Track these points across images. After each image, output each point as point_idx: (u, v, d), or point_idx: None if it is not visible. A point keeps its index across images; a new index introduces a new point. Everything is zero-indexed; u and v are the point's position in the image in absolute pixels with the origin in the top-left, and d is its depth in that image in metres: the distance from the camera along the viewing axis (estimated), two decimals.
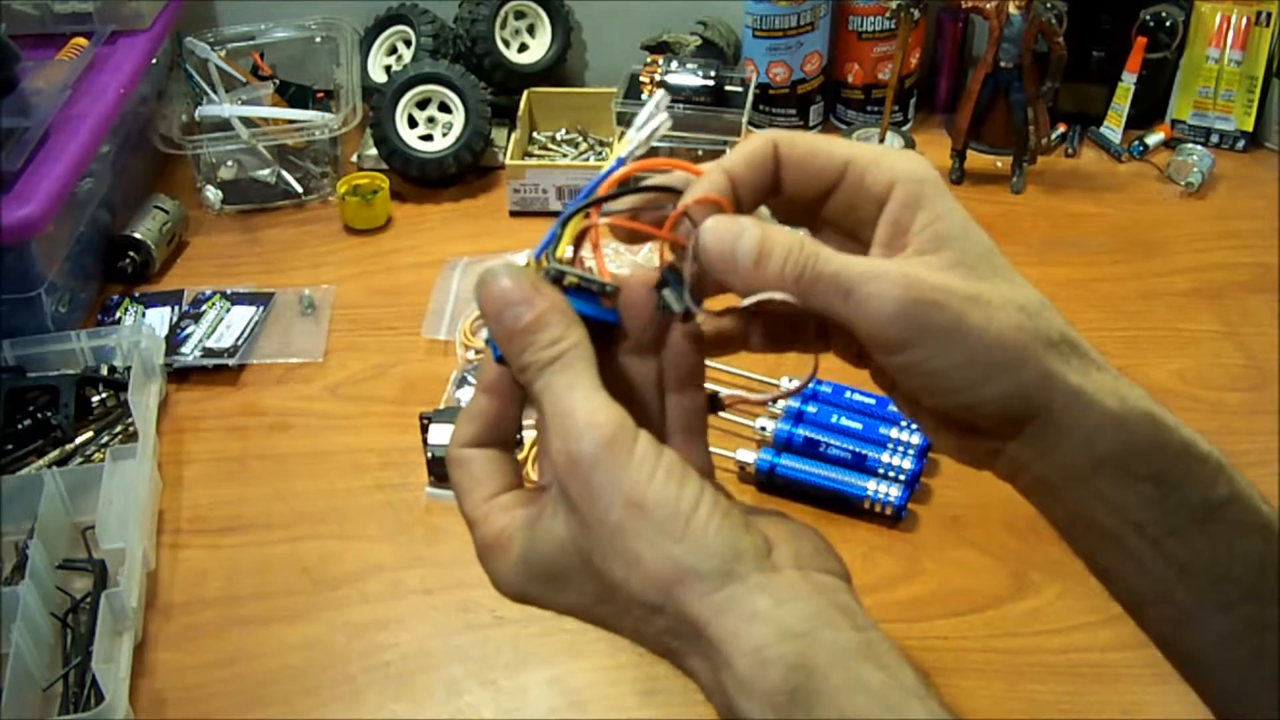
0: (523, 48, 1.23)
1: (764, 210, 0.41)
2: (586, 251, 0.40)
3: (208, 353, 0.92)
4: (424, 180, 1.13)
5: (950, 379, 0.36)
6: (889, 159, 0.39)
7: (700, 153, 1.11)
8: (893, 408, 0.80)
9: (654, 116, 0.40)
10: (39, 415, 0.84)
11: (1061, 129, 1.21)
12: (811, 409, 0.83)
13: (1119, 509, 0.38)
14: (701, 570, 0.33)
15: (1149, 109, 1.21)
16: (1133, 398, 0.38)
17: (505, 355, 0.37)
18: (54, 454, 0.82)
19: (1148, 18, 1.16)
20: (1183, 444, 0.38)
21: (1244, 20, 1.16)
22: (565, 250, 0.39)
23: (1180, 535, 0.38)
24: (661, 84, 1.11)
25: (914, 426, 0.79)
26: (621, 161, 0.40)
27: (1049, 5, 1.07)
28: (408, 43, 1.23)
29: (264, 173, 1.11)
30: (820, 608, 0.33)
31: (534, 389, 0.36)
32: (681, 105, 1.10)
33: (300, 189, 1.12)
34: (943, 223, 0.38)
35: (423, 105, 1.12)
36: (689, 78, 1.11)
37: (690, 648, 0.34)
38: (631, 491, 0.33)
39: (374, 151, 1.13)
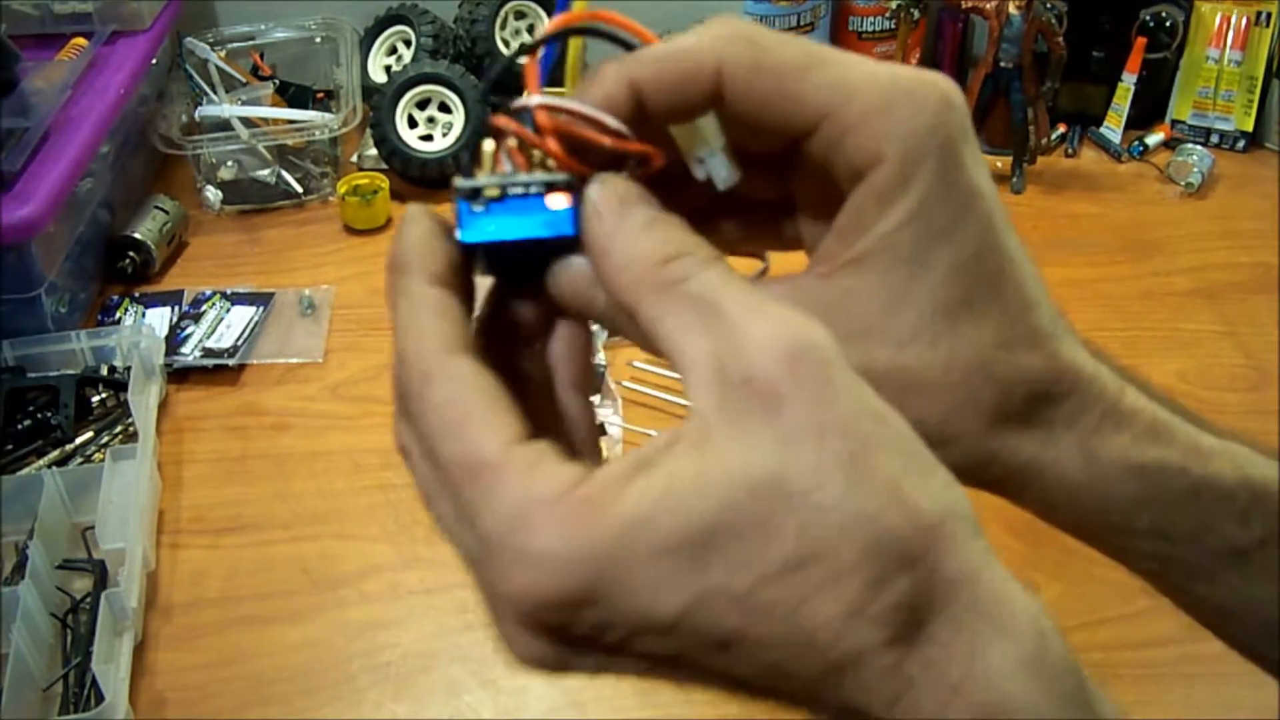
0: None
1: (708, 125, 0.29)
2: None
3: (208, 353, 0.92)
4: (424, 180, 1.13)
5: None
6: (888, 116, 0.27)
7: None
8: None
9: None
10: (39, 415, 0.84)
11: (1061, 129, 1.21)
12: None
13: (1124, 557, 0.33)
14: (962, 511, 0.24)
15: (1149, 109, 1.21)
16: (1113, 453, 0.30)
17: None
18: (54, 454, 0.82)
19: (1148, 18, 1.17)
20: (1193, 488, 0.31)
21: (1244, 20, 1.16)
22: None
23: (1209, 580, 0.32)
24: None
25: None
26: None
27: (1049, 5, 1.07)
28: (408, 43, 1.23)
29: (264, 173, 1.11)
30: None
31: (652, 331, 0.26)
32: None
33: (300, 189, 1.12)
34: (914, 228, 0.27)
35: (423, 105, 1.12)
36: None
37: (930, 625, 0.24)
38: (876, 401, 0.24)
39: (374, 151, 1.13)
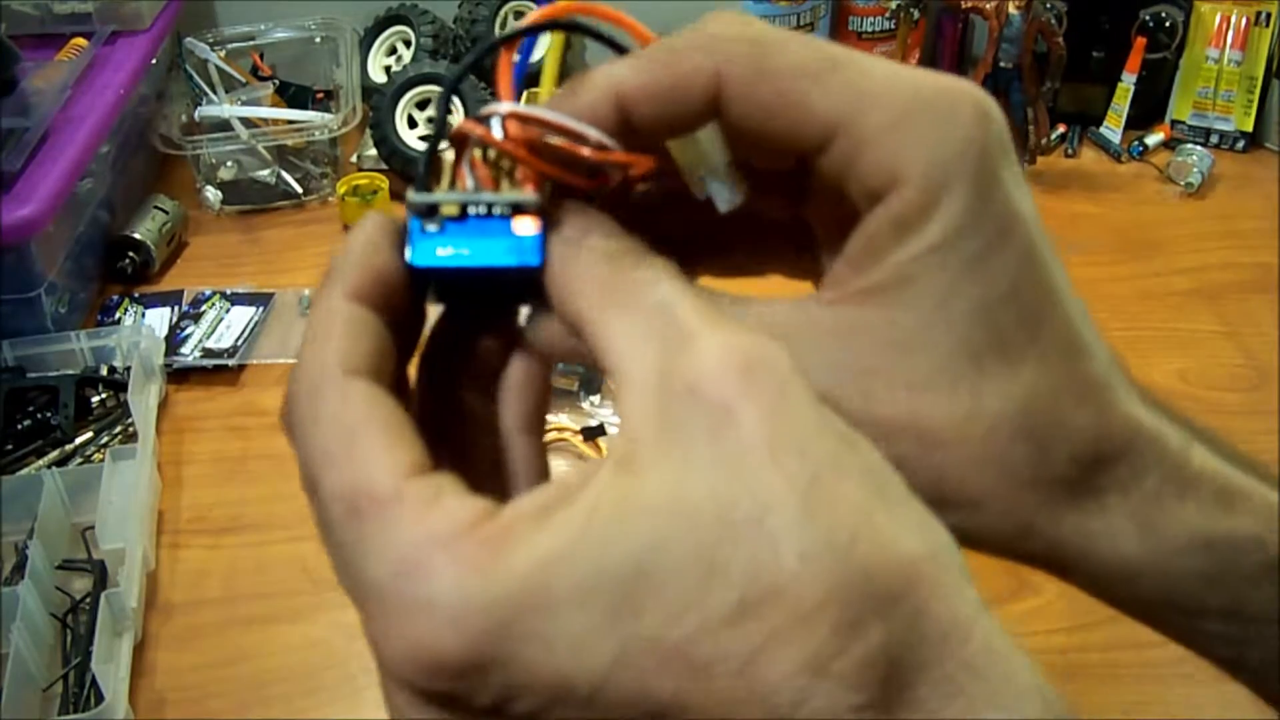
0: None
1: (708, 139, 0.25)
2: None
3: (207, 353, 0.92)
4: None
5: None
6: (910, 131, 0.23)
7: None
8: None
9: None
10: (39, 415, 0.84)
11: (1061, 129, 1.21)
12: None
13: (1192, 640, 0.28)
14: (949, 551, 0.21)
15: (1149, 109, 1.21)
16: (1176, 525, 0.26)
17: None
18: (54, 454, 0.82)
19: (1148, 18, 1.16)
20: (1271, 563, 0.26)
21: (1244, 20, 1.16)
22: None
23: None
24: None
25: None
26: None
27: (1049, 5, 1.07)
28: (408, 43, 1.23)
29: (264, 173, 1.11)
30: None
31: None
32: None
33: (300, 189, 1.12)
34: (936, 260, 0.23)
35: (423, 105, 1.12)
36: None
37: (915, 687, 0.20)
38: (841, 424, 0.21)
39: (374, 152, 1.13)
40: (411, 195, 0.24)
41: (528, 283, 0.24)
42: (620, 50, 0.25)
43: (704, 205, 0.26)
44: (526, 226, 0.23)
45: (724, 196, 0.26)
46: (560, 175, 0.24)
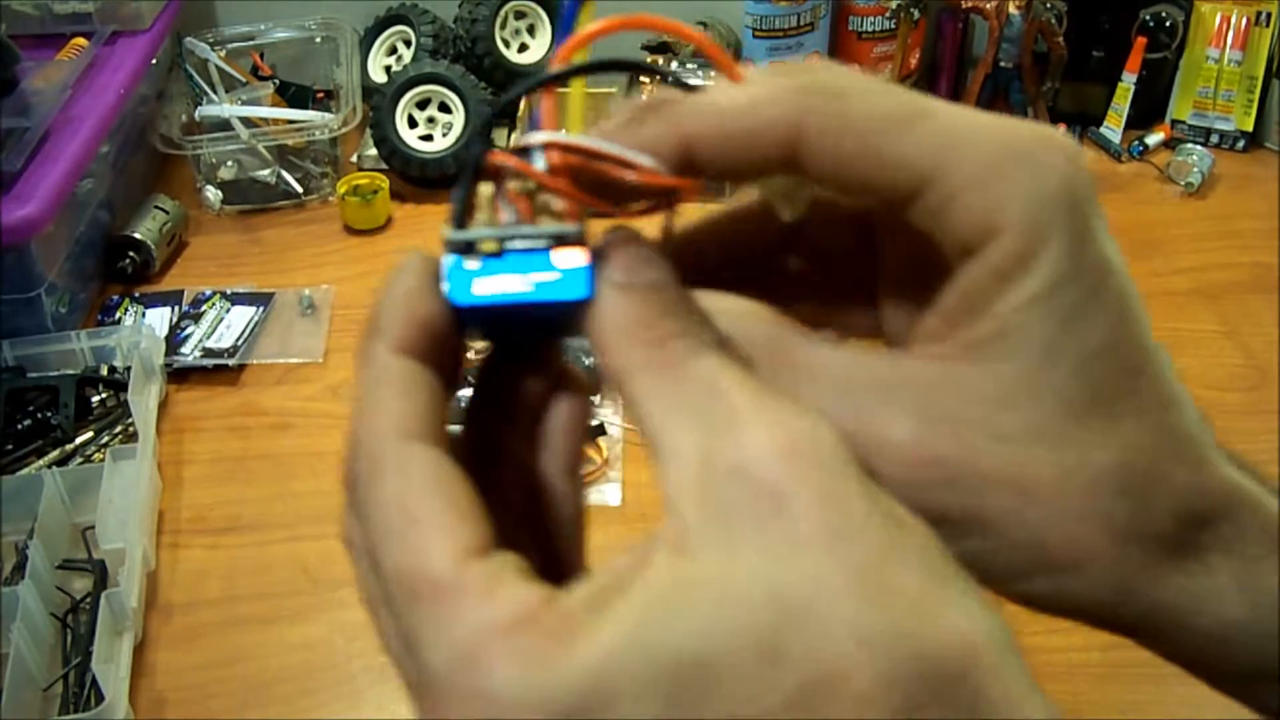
0: (523, 48, 1.23)
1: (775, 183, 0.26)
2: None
3: (208, 353, 0.92)
4: (424, 180, 1.13)
5: (974, 565, 0.22)
6: (1005, 180, 0.23)
7: None
8: None
9: None
10: (39, 415, 0.84)
11: (1061, 129, 1.21)
12: None
13: (1273, 710, 0.27)
14: (1002, 633, 0.21)
15: (1149, 109, 1.21)
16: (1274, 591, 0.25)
17: None
18: (54, 454, 0.82)
19: (1148, 18, 1.17)
20: None
21: (1244, 20, 1.16)
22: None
23: None
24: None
25: None
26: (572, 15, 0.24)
27: (1049, 5, 1.07)
28: (408, 43, 1.23)
29: (264, 173, 1.11)
30: None
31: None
32: None
33: (300, 189, 1.12)
34: (1040, 312, 0.23)
35: (423, 105, 1.12)
36: (689, 78, 1.11)
37: None
38: (891, 503, 0.21)
39: (374, 151, 1.13)
40: (448, 232, 0.23)
41: (572, 317, 0.23)
42: (687, 88, 0.24)
43: (762, 251, 0.27)
44: (571, 258, 0.23)
45: (784, 211, 0.26)
46: (601, 207, 0.24)
